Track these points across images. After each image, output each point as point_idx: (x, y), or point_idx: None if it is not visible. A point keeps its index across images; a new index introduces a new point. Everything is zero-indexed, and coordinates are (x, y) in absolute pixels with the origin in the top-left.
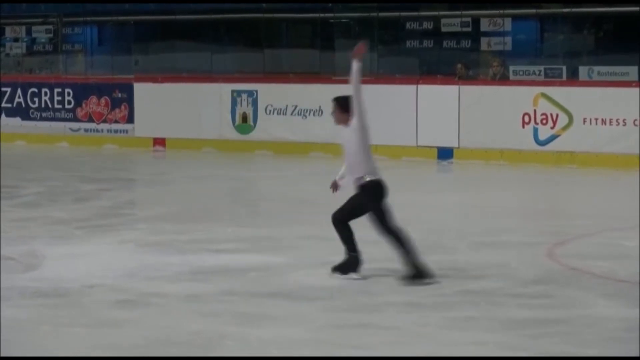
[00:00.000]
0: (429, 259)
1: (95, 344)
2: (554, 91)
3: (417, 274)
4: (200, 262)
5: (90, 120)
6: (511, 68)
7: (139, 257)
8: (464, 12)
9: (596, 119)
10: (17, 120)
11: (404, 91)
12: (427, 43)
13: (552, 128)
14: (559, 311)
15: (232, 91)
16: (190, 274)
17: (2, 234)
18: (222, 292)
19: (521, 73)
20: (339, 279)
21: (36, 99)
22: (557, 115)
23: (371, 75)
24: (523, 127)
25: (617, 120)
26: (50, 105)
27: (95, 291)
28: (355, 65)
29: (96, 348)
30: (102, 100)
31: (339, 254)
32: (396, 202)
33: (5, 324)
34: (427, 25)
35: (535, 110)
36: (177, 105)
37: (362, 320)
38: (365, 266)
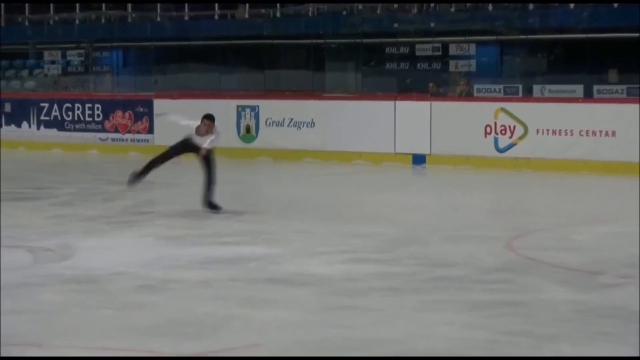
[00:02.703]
0: (407, 250)
1: (121, 324)
2: (512, 106)
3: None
4: (209, 253)
5: (117, 131)
6: (475, 86)
7: (157, 249)
8: (435, 39)
9: (548, 130)
10: (54, 131)
11: (383, 106)
12: (404, 65)
13: (510, 138)
14: (518, 295)
15: (238, 106)
16: (201, 263)
17: (40, 229)
18: (229, 278)
19: (484, 91)
20: (328, 268)
21: (70, 113)
22: (514, 127)
23: (356, 92)
24: (485, 136)
25: (565, 131)
26: (82, 118)
27: (121, 278)
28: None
29: (122, 328)
30: (127, 114)
31: (328, 246)
32: (377, 201)
33: (44, 307)
34: (404, 50)
35: (495, 123)
36: (190, 117)
37: (349, 303)
38: (350, 256)
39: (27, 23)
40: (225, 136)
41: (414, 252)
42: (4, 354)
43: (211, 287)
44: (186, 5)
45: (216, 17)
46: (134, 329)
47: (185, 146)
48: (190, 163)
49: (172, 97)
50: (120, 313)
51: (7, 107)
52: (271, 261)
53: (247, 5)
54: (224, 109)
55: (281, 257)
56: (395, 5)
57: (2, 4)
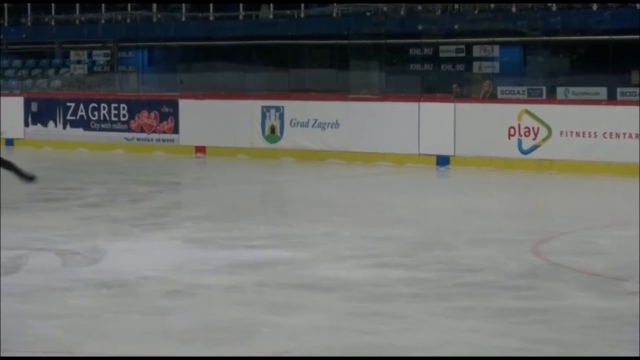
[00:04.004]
0: (432, 254)
1: (151, 330)
2: (536, 108)
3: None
4: (237, 256)
5: (142, 130)
6: (499, 88)
7: (185, 252)
8: (459, 40)
9: (571, 132)
10: (80, 130)
11: (407, 107)
12: (428, 66)
13: (533, 139)
14: (542, 301)
15: (262, 107)
16: (229, 267)
17: (69, 230)
18: (256, 283)
19: (507, 92)
20: (355, 272)
21: (96, 113)
22: (538, 129)
23: (380, 93)
24: (509, 138)
25: (589, 133)
26: (108, 118)
27: (150, 282)
28: None
29: (152, 334)
30: (152, 114)
31: (354, 249)
32: (401, 204)
33: (73, 311)
34: (428, 51)
35: (519, 124)
36: (215, 118)
37: (376, 309)
38: (376, 260)
39: (53, 23)
40: (250, 136)
41: (439, 257)
42: (4, 354)
43: (240, 292)
44: (211, 5)
45: (241, 17)
46: (164, 334)
47: None
48: (214, 163)
49: (197, 97)
50: (150, 318)
51: (34, 107)
52: (298, 265)
53: (271, 5)
54: (249, 109)
55: (308, 261)
56: (420, 7)
57: (29, 4)
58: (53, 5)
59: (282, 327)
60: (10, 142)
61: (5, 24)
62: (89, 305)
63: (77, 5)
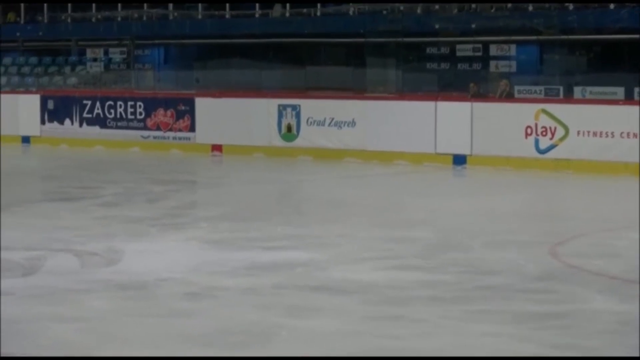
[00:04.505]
0: (449, 256)
1: (169, 333)
2: (553, 107)
3: None
4: (254, 258)
5: (158, 129)
6: (516, 87)
7: (202, 253)
8: (476, 39)
9: (588, 132)
10: (96, 128)
11: (424, 106)
12: (445, 65)
13: (550, 139)
14: (562, 306)
15: (279, 105)
16: (246, 269)
17: (86, 230)
18: (274, 285)
19: (524, 91)
20: (372, 274)
21: (112, 111)
22: (555, 128)
23: (396, 92)
24: (526, 137)
25: (606, 132)
26: (124, 116)
27: (168, 284)
28: None
29: (170, 337)
30: (168, 112)
31: (371, 251)
32: (418, 204)
33: (91, 314)
34: (444, 50)
35: (536, 124)
36: (232, 116)
37: (394, 312)
38: (393, 262)
39: (69, 20)
40: (266, 135)
41: (457, 259)
42: (4, 354)
43: (257, 294)
44: (227, 4)
45: (257, 15)
46: (182, 337)
47: None
48: (231, 162)
49: (213, 95)
50: (168, 321)
51: (50, 104)
52: (316, 267)
53: (287, 4)
54: (266, 108)
55: (325, 263)
56: (436, 5)
57: (45, 2)
58: (69, 3)
59: (301, 331)
60: (26, 139)
61: (22, 22)
62: (107, 308)
63: (94, 3)
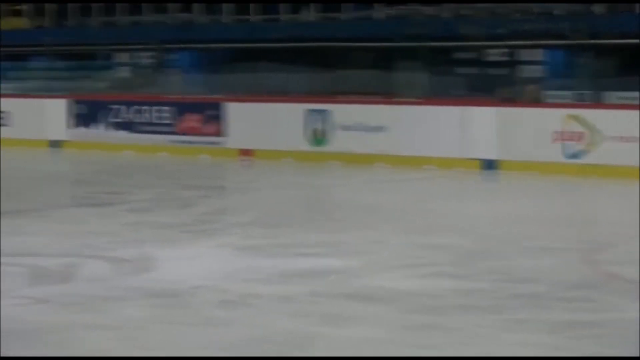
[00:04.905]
0: (483, 264)
1: (204, 341)
2: (582, 112)
3: None
4: (288, 265)
5: (187, 133)
6: (544, 92)
7: (234, 260)
8: (504, 43)
9: (618, 137)
10: (125, 133)
11: (452, 111)
12: (472, 69)
13: (579, 144)
14: (598, 314)
15: (308, 110)
16: (280, 277)
17: (117, 237)
18: (309, 293)
19: (552, 96)
20: (407, 282)
21: (140, 115)
22: (583, 133)
23: (425, 97)
24: (554, 143)
25: (635, 137)
26: (152, 120)
27: (201, 292)
28: None
29: (205, 346)
30: (197, 117)
31: (405, 258)
32: (448, 209)
33: (125, 323)
34: (472, 54)
35: (564, 129)
36: (260, 121)
37: (430, 321)
38: (428, 270)
39: (97, 25)
40: (295, 140)
41: (491, 266)
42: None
43: (292, 302)
44: (250, 7)
45: (285, 19)
46: (218, 346)
47: None
48: (260, 167)
49: (242, 99)
50: (203, 330)
51: (78, 109)
52: (350, 274)
53: (310, 7)
54: (295, 112)
55: (359, 270)
56: (464, 10)
57: (68, 5)
58: (97, 7)
59: (337, 340)
60: (54, 144)
61: (49, 26)
62: (141, 316)
63: (122, 7)
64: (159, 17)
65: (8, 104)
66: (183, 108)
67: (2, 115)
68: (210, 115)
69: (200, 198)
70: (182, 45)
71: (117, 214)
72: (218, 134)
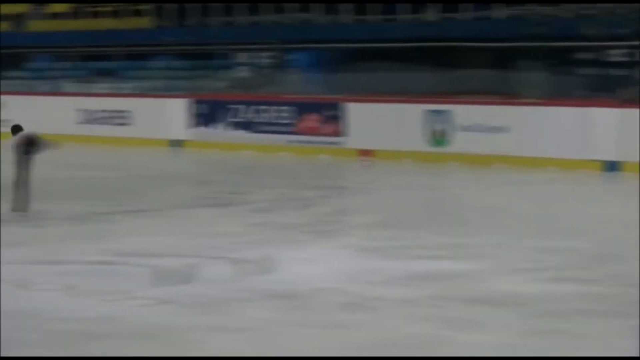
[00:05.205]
0: (606, 268)
1: (328, 344)
2: None
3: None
4: (409, 267)
5: (307, 133)
6: None
7: (356, 261)
8: (625, 44)
9: None
10: (244, 132)
11: (574, 112)
12: (594, 70)
13: None
14: None
15: (429, 110)
16: (402, 279)
17: (239, 237)
18: (432, 297)
19: None
20: (530, 286)
21: (260, 115)
22: None
23: (546, 98)
24: None
25: None
26: (271, 120)
27: (323, 293)
28: None
29: (329, 349)
30: (317, 117)
31: (527, 262)
32: (570, 212)
33: (249, 324)
34: (593, 55)
35: None
36: (380, 121)
37: (553, 327)
38: (550, 274)
39: (217, 24)
40: (415, 140)
41: (616, 271)
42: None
43: (414, 306)
44: (369, 6)
45: (403, 19)
46: (341, 350)
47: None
48: (380, 168)
49: (362, 100)
50: (327, 332)
51: (198, 108)
52: (473, 278)
53: (431, 7)
54: (415, 113)
55: (482, 274)
56: (584, 10)
57: (188, 5)
58: (218, 7)
59: (459, 344)
60: (175, 143)
61: (170, 26)
62: (264, 318)
63: (240, 7)
64: (278, 17)
65: (129, 103)
66: (302, 108)
67: (123, 114)
68: (330, 116)
69: (321, 198)
70: (301, 45)
71: (239, 214)
72: (337, 134)
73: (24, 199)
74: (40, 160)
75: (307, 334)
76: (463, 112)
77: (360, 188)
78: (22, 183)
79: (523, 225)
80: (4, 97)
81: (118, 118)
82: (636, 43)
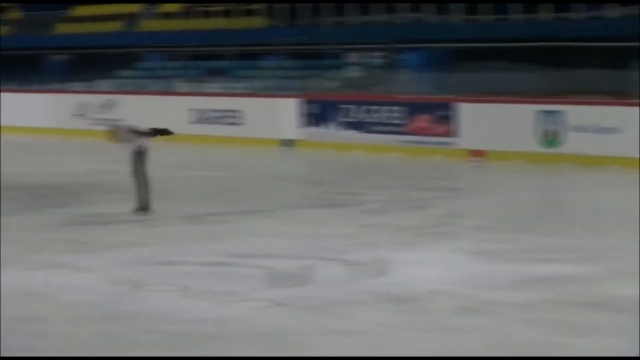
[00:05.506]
0: None
1: (442, 349)
2: None
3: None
4: (525, 271)
5: (419, 133)
6: None
7: (471, 265)
8: None
9: None
10: (354, 132)
11: None
12: None
13: None
14: None
15: (541, 110)
16: (518, 283)
17: (352, 239)
18: (548, 301)
19: None
20: None
21: (372, 115)
22: None
23: None
24: None
25: None
26: (382, 120)
27: (437, 297)
28: None
29: (442, 354)
30: (429, 117)
31: None
32: None
33: (364, 328)
34: None
35: None
36: (492, 121)
37: None
38: None
39: (327, 24)
40: (528, 141)
41: None
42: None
43: (530, 310)
44: (480, 6)
45: (514, 19)
46: (455, 354)
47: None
48: (492, 169)
49: (474, 100)
50: (441, 337)
51: (309, 108)
52: (590, 282)
53: (543, 7)
54: (527, 113)
55: (599, 278)
56: None
57: (299, 5)
58: (329, 7)
59: (576, 350)
60: (286, 143)
61: (281, 25)
62: (379, 321)
63: (351, 7)
64: (389, 17)
65: (240, 103)
66: (413, 108)
67: (235, 114)
68: (441, 116)
69: (434, 200)
70: (411, 45)
71: (352, 215)
72: (449, 134)
73: (144, 199)
74: (155, 161)
75: (423, 338)
76: (575, 113)
77: (473, 189)
78: (141, 182)
79: (638, 228)
80: (116, 97)
81: (229, 118)
82: None
